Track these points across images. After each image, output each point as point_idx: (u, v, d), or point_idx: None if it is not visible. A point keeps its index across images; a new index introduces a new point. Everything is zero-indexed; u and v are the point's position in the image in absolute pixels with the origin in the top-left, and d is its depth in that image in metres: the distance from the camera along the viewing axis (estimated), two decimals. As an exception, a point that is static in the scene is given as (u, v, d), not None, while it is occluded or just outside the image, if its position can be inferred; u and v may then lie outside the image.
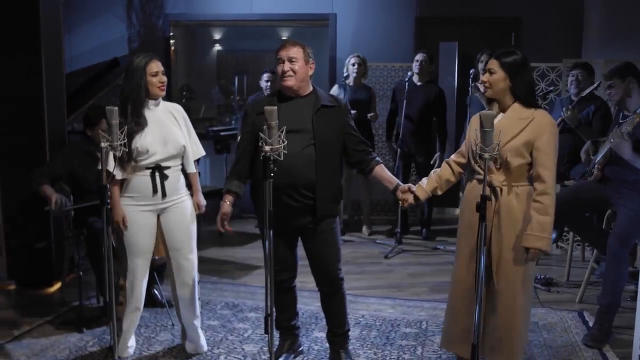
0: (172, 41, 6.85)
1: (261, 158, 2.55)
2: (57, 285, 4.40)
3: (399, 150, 5.56)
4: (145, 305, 3.87)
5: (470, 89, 5.22)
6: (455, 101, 6.20)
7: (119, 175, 3.11)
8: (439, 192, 3.01)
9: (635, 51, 5.29)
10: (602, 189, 3.84)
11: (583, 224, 4.02)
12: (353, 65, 5.65)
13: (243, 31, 8.58)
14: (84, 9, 6.64)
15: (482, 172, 2.76)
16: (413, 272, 4.88)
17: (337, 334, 3.23)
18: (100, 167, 2.99)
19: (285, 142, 2.55)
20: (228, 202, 3.06)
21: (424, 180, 3.03)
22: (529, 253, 2.70)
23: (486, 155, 2.47)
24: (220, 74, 9.00)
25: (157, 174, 3.14)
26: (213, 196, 5.97)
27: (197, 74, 8.68)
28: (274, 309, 2.66)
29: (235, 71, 8.76)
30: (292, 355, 3.32)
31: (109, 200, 2.91)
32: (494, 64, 2.77)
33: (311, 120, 2.94)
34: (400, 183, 3.05)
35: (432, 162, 5.64)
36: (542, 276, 4.50)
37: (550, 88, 5.53)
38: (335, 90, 5.82)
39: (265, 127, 2.53)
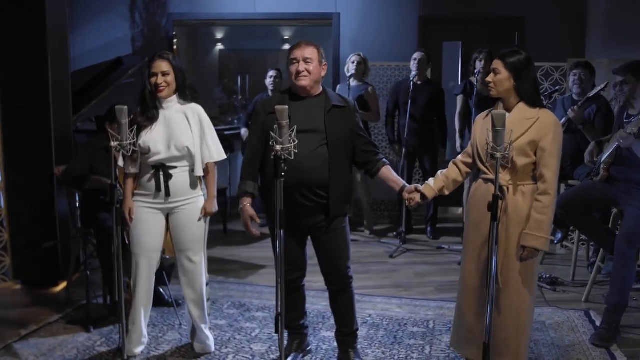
0: (174, 40, 6.84)
1: (272, 157, 2.55)
2: (63, 285, 4.40)
3: (403, 149, 5.56)
4: (153, 305, 3.89)
5: (475, 88, 5.22)
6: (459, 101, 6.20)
7: (131, 169, 3.13)
8: (446, 192, 3.02)
9: (639, 50, 5.29)
10: (608, 189, 3.84)
11: (590, 224, 4.02)
12: (353, 63, 5.67)
13: (245, 31, 8.59)
14: (87, 8, 6.63)
15: (488, 171, 2.76)
16: (418, 271, 4.88)
17: (346, 333, 3.23)
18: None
19: (296, 142, 2.55)
20: (248, 205, 3.03)
21: (431, 180, 3.04)
22: (525, 251, 2.71)
23: (498, 155, 2.47)
24: (223, 74, 9.02)
25: (161, 173, 3.14)
26: (218, 196, 5.98)
27: (199, 73, 8.70)
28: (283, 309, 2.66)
29: (238, 70, 8.77)
30: (301, 355, 3.32)
31: (120, 199, 2.93)
32: (498, 64, 2.79)
33: (323, 120, 2.95)
34: (407, 184, 3.05)
35: (437, 159, 5.67)
36: (548, 275, 4.50)
37: (556, 88, 5.53)
38: (339, 89, 5.83)
39: (275, 126, 2.53)
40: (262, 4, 6.67)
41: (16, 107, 4.35)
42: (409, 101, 5.47)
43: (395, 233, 5.88)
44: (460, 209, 6.94)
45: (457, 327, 3.04)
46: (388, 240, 5.72)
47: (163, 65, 3.14)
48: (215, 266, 4.94)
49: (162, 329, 3.71)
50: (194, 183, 3.23)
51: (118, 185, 3.02)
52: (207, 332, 3.40)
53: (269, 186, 2.97)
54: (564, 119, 4.41)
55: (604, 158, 3.88)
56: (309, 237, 3.13)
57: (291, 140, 2.54)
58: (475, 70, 5.21)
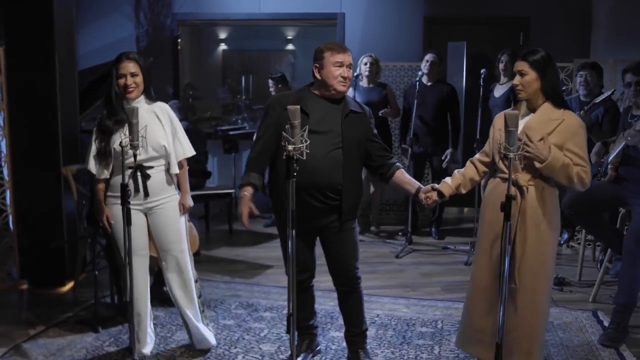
0: (179, 40, 6.85)
1: (284, 157, 2.55)
2: (70, 285, 4.40)
3: (409, 149, 5.56)
4: (160, 305, 3.90)
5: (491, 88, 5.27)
6: (464, 101, 6.20)
7: (104, 174, 3.13)
8: (463, 191, 3.00)
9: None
10: (616, 189, 3.84)
11: (598, 224, 4.02)
12: (365, 64, 5.66)
13: (249, 31, 8.57)
14: (92, 7, 6.64)
15: (507, 171, 2.75)
16: (425, 271, 4.88)
17: (356, 333, 3.23)
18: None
19: (308, 142, 2.54)
20: (249, 195, 2.98)
21: (448, 178, 3.03)
22: (532, 154, 2.65)
23: (511, 155, 2.47)
24: (226, 74, 8.99)
25: (138, 173, 3.11)
26: (223, 197, 5.99)
27: (203, 73, 8.68)
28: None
29: (241, 71, 8.76)
30: (310, 355, 3.32)
31: (129, 200, 2.93)
32: (523, 66, 2.75)
33: (340, 124, 2.95)
34: (422, 186, 3.05)
35: (443, 158, 5.66)
36: (554, 276, 4.50)
37: (563, 88, 5.53)
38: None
39: (287, 126, 2.52)
40: (266, 4, 6.68)
41: (24, 107, 4.35)
42: (422, 102, 5.47)
43: (400, 233, 5.88)
44: (465, 209, 6.97)
45: (465, 326, 3.03)
46: (393, 240, 5.72)
47: (131, 66, 3.10)
48: (221, 266, 4.94)
49: (171, 329, 3.70)
50: (169, 181, 3.24)
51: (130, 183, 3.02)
52: (204, 328, 3.39)
53: (279, 186, 2.97)
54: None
55: (611, 158, 3.89)
56: (318, 238, 3.13)
57: (303, 141, 2.53)
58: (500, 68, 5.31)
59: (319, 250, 3.14)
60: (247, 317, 3.89)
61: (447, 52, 6.30)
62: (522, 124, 2.77)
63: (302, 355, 3.26)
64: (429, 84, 5.58)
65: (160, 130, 3.17)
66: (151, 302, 3.33)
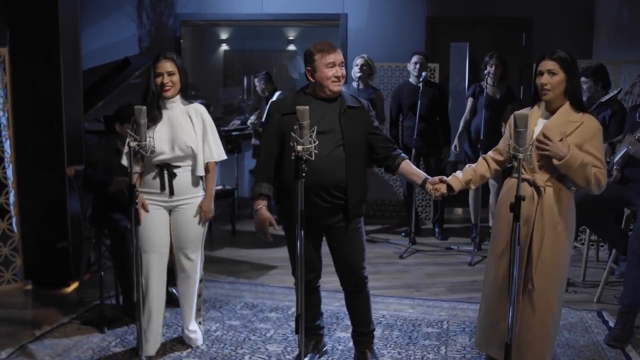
0: (181, 40, 6.84)
1: (292, 158, 2.55)
2: (74, 285, 4.39)
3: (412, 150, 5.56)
4: (166, 305, 3.88)
5: (485, 90, 5.25)
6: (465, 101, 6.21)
7: (137, 168, 3.13)
8: (472, 186, 2.99)
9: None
10: (622, 190, 3.84)
11: (603, 224, 4.03)
12: (357, 66, 5.66)
13: (251, 31, 8.59)
14: (94, 8, 6.63)
15: (525, 170, 2.74)
16: (429, 272, 4.88)
17: (363, 333, 3.23)
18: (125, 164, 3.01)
19: (316, 142, 2.55)
20: (264, 208, 2.99)
21: (459, 172, 3.01)
22: (551, 147, 2.65)
23: (520, 156, 2.47)
24: (228, 74, 9.01)
25: (165, 172, 3.17)
26: (225, 197, 5.99)
27: (204, 73, 8.69)
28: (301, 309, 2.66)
29: (243, 71, 8.77)
30: (317, 355, 3.32)
31: (137, 200, 2.93)
32: (553, 65, 2.72)
33: (338, 122, 2.95)
34: (429, 177, 3.04)
35: (442, 157, 5.67)
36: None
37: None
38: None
39: (296, 126, 2.53)
40: (269, 5, 6.67)
41: (28, 107, 4.34)
42: (413, 103, 5.48)
43: (403, 233, 5.88)
44: (467, 210, 6.96)
45: (484, 328, 2.97)
46: (397, 241, 5.72)
47: (168, 65, 3.16)
48: (225, 267, 4.94)
49: (177, 330, 3.70)
50: (196, 182, 3.27)
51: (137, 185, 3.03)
52: (196, 327, 3.46)
53: (285, 187, 2.97)
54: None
55: (616, 159, 3.89)
56: (324, 238, 3.13)
57: (312, 141, 2.54)
58: (485, 72, 5.26)
59: (324, 250, 3.14)
60: (253, 318, 3.89)
61: (450, 52, 6.32)
62: (540, 124, 2.77)
63: (309, 355, 3.26)
64: (419, 85, 5.54)
65: (189, 131, 3.20)
66: (159, 302, 3.34)
